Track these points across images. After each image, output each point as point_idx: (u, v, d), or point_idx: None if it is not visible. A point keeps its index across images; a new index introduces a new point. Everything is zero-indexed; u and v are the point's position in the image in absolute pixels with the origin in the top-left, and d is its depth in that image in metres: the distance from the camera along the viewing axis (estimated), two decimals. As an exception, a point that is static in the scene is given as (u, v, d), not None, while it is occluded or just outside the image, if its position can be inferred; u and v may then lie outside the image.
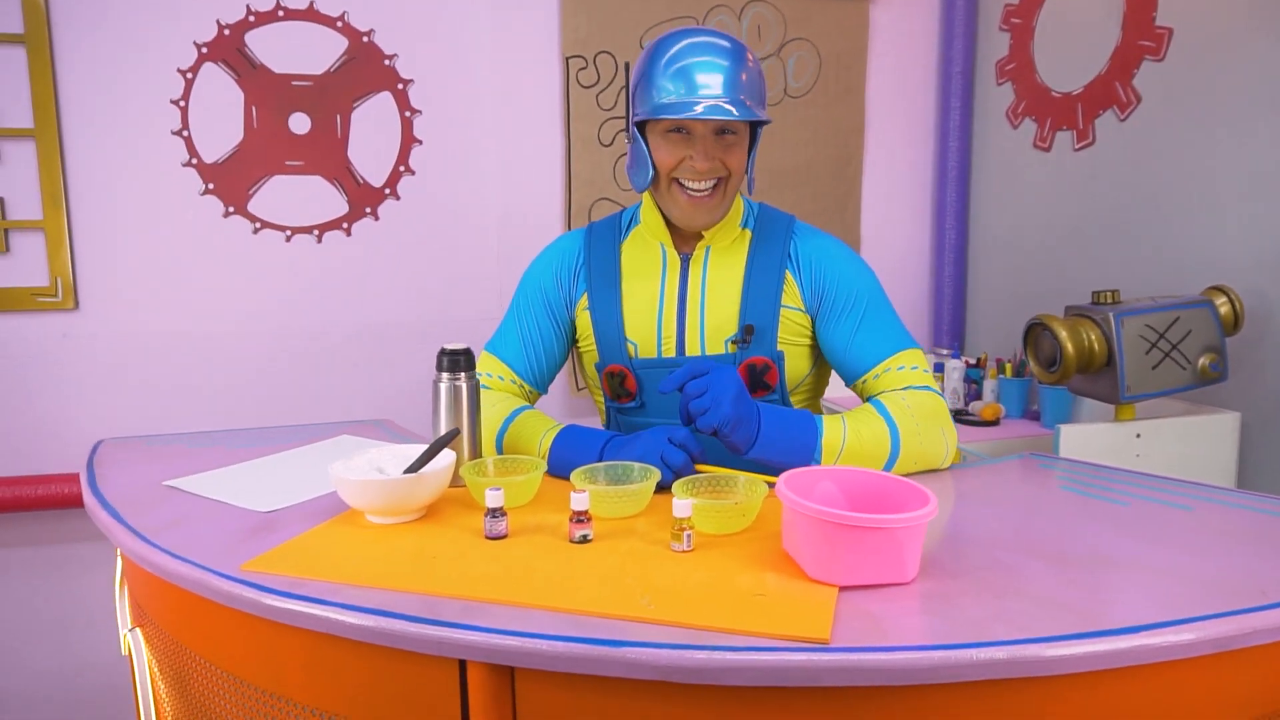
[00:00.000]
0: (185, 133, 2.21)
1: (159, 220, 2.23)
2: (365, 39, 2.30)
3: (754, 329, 1.21)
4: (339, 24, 2.28)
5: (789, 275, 1.24)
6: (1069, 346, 1.64)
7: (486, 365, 1.32)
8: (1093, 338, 1.65)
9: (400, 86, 2.35)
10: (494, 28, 2.40)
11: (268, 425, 1.89)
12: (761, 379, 1.24)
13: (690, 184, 1.19)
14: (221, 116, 2.23)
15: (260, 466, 1.27)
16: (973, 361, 2.56)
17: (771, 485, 1.00)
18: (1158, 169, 2.08)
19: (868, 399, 1.22)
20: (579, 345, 1.36)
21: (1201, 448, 1.79)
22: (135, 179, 2.20)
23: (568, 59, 2.45)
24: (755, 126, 1.23)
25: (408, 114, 2.36)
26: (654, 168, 1.20)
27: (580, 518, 0.93)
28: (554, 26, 2.45)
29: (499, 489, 0.94)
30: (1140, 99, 2.11)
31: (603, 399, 1.37)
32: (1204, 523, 0.98)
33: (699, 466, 1.10)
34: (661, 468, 1.06)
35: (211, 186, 2.25)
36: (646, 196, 1.28)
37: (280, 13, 2.23)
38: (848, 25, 2.71)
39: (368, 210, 2.37)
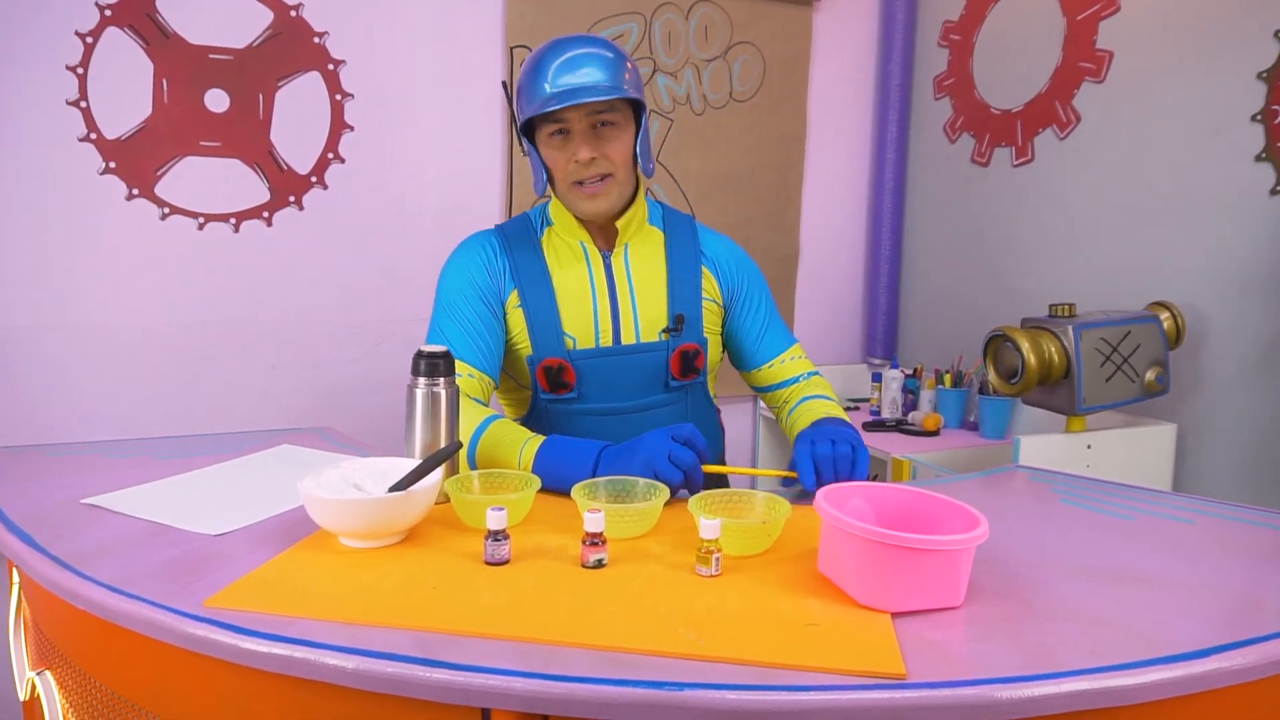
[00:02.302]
0: (83, 104, 1.98)
1: (49, 200, 1.98)
2: (293, 13, 2.12)
3: (684, 318, 1.29)
4: (264, -5, 2.09)
5: (706, 271, 1.34)
6: (1031, 358, 1.66)
7: None
8: (1052, 350, 1.68)
9: (331, 67, 2.18)
10: (434, 9, 2.27)
11: (175, 433, 1.70)
12: (692, 364, 1.31)
13: (582, 179, 1.21)
14: (126, 88, 2.01)
15: (195, 481, 1.12)
16: (909, 372, 2.59)
17: (790, 499, 0.94)
18: (1096, 187, 2.15)
19: (795, 383, 1.38)
20: (508, 343, 1.32)
21: (1142, 457, 1.85)
22: (21, 153, 1.95)
23: (512, 49, 2.34)
24: (638, 113, 1.26)
25: (338, 97, 2.20)
26: (548, 173, 1.25)
27: (595, 540, 0.84)
28: (498, 13, 2.33)
29: (502, 509, 0.84)
30: (1080, 118, 2.17)
31: (530, 395, 1.33)
32: (1214, 537, 0.98)
33: (704, 467, 1.04)
34: (669, 469, 1.01)
35: (113, 165, 2.02)
36: (555, 201, 1.30)
37: (198, -22, 2.03)
38: (791, 31, 2.71)
39: (291, 199, 2.19)
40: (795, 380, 1.37)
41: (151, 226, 2.07)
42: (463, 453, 1.13)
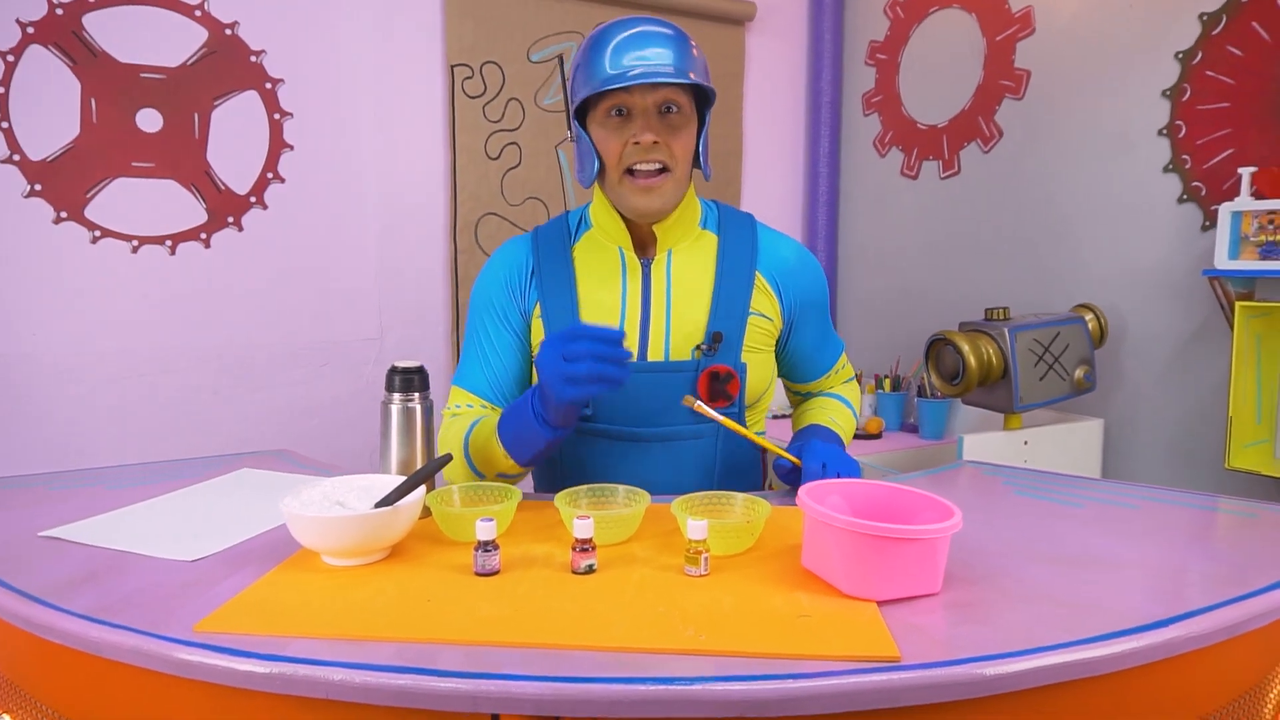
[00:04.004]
0: (5, 124, 1.90)
1: (-32, 225, 1.90)
2: (228, 31, 2.08)
3: (722, 336, 1.16)
4: (198, 12, 2.05)
5: (761, 281, 1.20)
6: (971, 360, 1.74)
7: (455, 399, 1.21)
8: (990, 352, 1.76)
9: (269, 86, 2.14)
10: (373, 28, 2.25)
11: (115, 463, 1.64)
12: (723, 389, 1.17)
13: (640, 167, 1.11)
14: (52, 108, 1.94)
15: (158, 508, 1.09)
16: (849, 378, 2.67)
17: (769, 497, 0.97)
18: (1020, 197, 2.27)
19: (824, 393, 1.34)
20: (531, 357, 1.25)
21: (1074, 451, 1.96)
22: (-62, 176, 1.86)
23: (453, 67, 2.34)
24: (702, 110, 1.17)
25: (277, 116, 2.16)
26: (599, 159, 1.13)
27: (584, 546, 0.86)
28: (437, 32, 2.33)
29: (491, 520, 0.85)
30: (1002, 133, 2.30)
31: None
32: (1159, 520, 1.05)
33: (726, 422, 1.07)
34: (588, 367, 0.95)
35: (38, 188, 1.94)
36: (598, 197, 1.20)
37: (127, -5, 1.98)
38: (725, 50, 2.78)
39: (230, 220, 2.14)
40: (831, 390, 1.33)
41: (82, 250, 1.99)
42: (459, 457, 1.12)
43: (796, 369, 1.30)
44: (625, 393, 1.15)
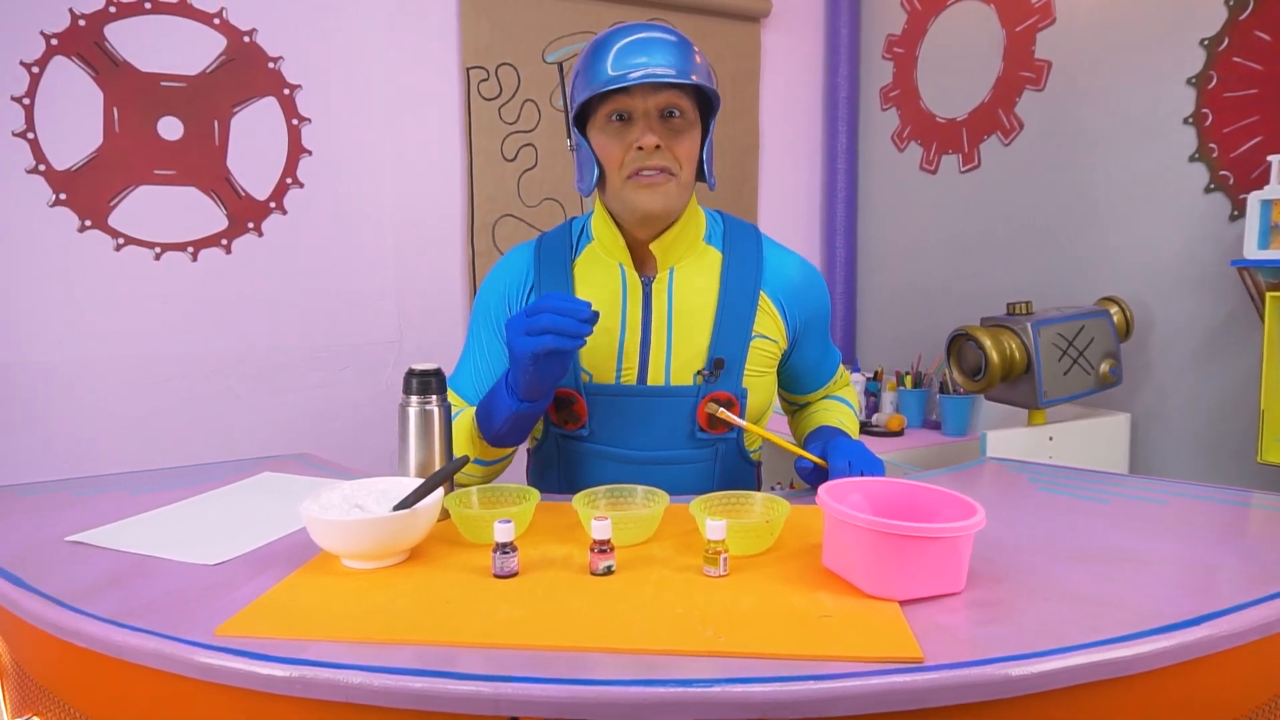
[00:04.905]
0: (30, 135, 1.93)
1: (-4, 235, 1.93)
2: (246, 39, 2.10)
3: (724, 363, 1.13)
4: (216, 21, 2.07)
5: (766, 302, 1.17)
6: (993, 355, 1.72)
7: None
8: (1013, 347, 1.74)
9: (286, 92, 2.16)
10: (388, 32, 2.27)
11: (139, 468, 1.66)
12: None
13: (641, 170, 1.08)
14: (76, 118, 1.96)
15: (181, 512, 1.10)
16: (870, 375, 2.65)
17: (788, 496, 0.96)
18: (1041, 190, 2.24)
19: (825, 397, 1.34)
20: None
21: (1100, 446, 1.93)
22: (-35, 187, 1.89)
23: (468, 69, 2.35)
24: (706, 119, 1.14)
25: (295, 122, 2.18)
26: (599, 167, 1.11)
27: (603, 548, 0.85)
28: (453, 35, 2.34)
29: (509, 521, 0.85)
30: (1023, 125, 2.27)
31: (541, 424, 1.24)
32: (1188, 516, 1.03)
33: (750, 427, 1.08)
34: (554, 340, 0.96)
35: (63, 197, 1.97)
36: (599, 210, 1.17)
37: (147, 5, 1.99)
38: (741, 47, 2.77)
39: (250, 225, 2.16)
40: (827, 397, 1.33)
41: (106, 258, 2.02)
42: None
43: (796, 383, 1.29)
44: (624, 414, 1.16)
